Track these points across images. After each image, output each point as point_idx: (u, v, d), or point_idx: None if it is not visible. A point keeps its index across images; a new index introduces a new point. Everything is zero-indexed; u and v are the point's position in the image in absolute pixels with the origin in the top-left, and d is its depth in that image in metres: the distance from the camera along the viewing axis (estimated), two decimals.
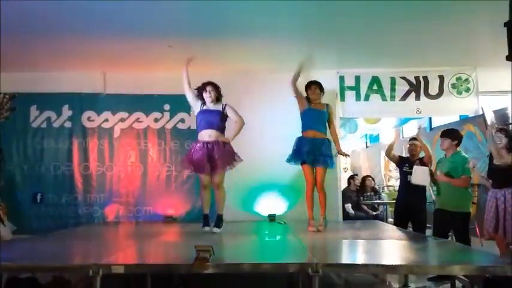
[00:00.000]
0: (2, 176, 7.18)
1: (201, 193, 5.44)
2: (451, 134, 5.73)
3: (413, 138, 6.66)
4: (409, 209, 6.26)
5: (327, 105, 5.58)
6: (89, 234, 5.65)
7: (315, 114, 5.46)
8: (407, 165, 6.42)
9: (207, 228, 5.25)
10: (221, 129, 5.30)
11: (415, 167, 6.04)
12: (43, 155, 7.26)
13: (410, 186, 6.12)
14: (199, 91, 5.32)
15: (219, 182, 5.30)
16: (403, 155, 6.90)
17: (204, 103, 5.32)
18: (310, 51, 5.84)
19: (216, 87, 5.31)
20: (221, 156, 5.15)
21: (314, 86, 5.53)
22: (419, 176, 5.91)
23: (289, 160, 5.44)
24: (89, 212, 7.16)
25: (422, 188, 6.23)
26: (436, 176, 5.70)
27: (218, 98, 5.34)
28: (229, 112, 5.32)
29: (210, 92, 5.25)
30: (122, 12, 5.20)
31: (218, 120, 5.26)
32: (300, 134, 5.46)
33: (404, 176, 6.44)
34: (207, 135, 5.21)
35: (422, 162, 6.18)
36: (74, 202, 7.16)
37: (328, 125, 5.54)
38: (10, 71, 6.99)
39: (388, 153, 6.68)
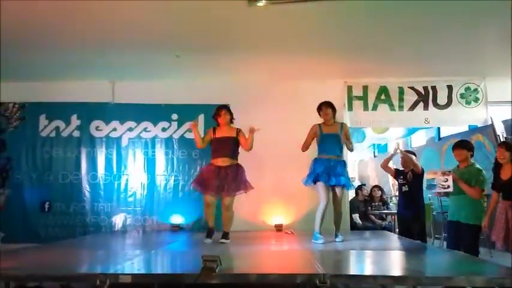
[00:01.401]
0: (10, 184, 7.24)
1: (205, 210, 5.52)
2: (468, 145, 5.69)
3: (406, 151, 6.74)
4: (409, 218, 6.33)
5: (342, 124, 5.63)
6: (97, 243, 5.65)
7: (329, 139, 5.47)
8: (401, 177, 6.46)
9: (208, 241, 5.30)
10: (235, 155, 5.54)
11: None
12: (51, 164, 7.30)
13: (406, 197, 6.21)
14: (214, 116, 5.64)
15: (228, 204, 5.42)
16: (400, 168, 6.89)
17: (215, 129, 5.59)
18: (317, 61, 5.85)
19: (229, 111, 5.61)
20: (234, 181, 5.34)
21: (325, 106, 5.52)
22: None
23: (306, 182, 5.42)
24: (97, 220, 7.17)
25: (418, 197, 6.27)
26: (458, 181, 5.55)
27: (231, 121, 5.62)
28: (241, 139, 5.52)
29: (224, 116, 5.53)
30: (131, 22, 5.24)
31: (232, 146, 5.48)
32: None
33: (400, 187, 6.53)
34: (220, 161, 5.42)
35: (415, 174, 6.23)
36: (82, 211, 7.17)
37: (346, 144, 5.60)
38: (20, 80, 7.07)
39: (383, 165, 6.74)
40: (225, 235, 5.39)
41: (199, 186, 5.49)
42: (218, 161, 5.42)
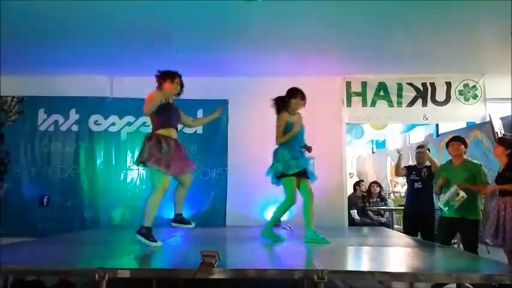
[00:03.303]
0: (8, 178, 7.24)
1: None
2: (464, 140, 5.72)
3: (420, 146, 6.68)
4: (418, 217, 6.23)
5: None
6: (95, 238, 5.66)
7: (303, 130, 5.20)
8: (414, 173, 6.43)
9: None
10: None
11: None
12: (50, 158, 7.31)
13: (418, 194, 6.11)
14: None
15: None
16: (410, 163, 6.87)
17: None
18: (316, 57, 5.84)
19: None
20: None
21: (301, 96, 5.14)
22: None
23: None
24: (95, 215, 7.17)
25: (430, 195, 6.21)
26: (459, 184, 5.54)
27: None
28: None
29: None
30: (130, 17, 5.22)
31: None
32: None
33: (412, 183, 6.44)
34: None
35: (430, 171, 6.21)
36: (80, 205, 7.18)
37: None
38: (19, 74, 7.06)
39: (396, 173, 6.75)
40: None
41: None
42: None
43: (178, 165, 4.64)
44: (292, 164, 4.99)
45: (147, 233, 4.47)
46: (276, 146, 5.11)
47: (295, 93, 5.12)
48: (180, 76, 4.88)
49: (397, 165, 6.81)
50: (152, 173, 4.57)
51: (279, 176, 5.02)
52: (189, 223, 4.97)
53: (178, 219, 4.94)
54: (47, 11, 5.02)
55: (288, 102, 5.11)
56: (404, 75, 7.29)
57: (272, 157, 5.10)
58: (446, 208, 5.42)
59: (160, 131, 4.64)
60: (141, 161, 4.55)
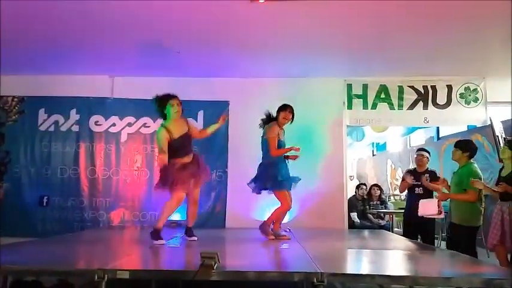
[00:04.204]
0: (8, 178, 7.23)
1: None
2: (464, 145, 5.69)
3: (420, 149, 6.67)
4: (418, 221, 6.21)
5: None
6: (94, 239, 5.65)
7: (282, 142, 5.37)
8: (413, 178, 6.40)
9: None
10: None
11: (421, 201, 5.96)
12: (50, 158, 7.30)
13: (418, 199, 6.08)
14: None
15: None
16: (410, 167, 6.85)
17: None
18: (318, 59, 5.83)
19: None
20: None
21: (290, 110, 5.34)
22: (429, 208, 5.81)
23: (287, 187, 5.29)
24: (95, 216, 7.16)
25: None
26: (438, 196, 5.67)
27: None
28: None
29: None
30: (131, 17, 5.22)
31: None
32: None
33: (412, 188, 6.42)
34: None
35: (432, 177, 6.19)
36: (80, 206, 7.17)
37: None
38: (19, 74, 7.06)
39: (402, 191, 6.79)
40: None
41: None
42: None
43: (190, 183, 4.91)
44: (291, 181, 5.32)
45: (154, 233, 4.76)
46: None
47: (285, 107, 5.35)
48: (177, 97, 4.99)
49: (403, 187, 6.82)
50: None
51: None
52: (193, 236, 5.15)
53: (189, 233, 5.17)
54: (47, 11, 5.03)
55: (278, 115, 5.33)
56: (406, 77, 7.29)
57: (271, 169, 5.22)
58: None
59: (172, 161, 4.85)
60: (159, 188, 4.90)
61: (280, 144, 5.29)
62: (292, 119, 5.38)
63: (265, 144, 5.31)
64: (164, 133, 4.82)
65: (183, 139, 4.92)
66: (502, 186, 5.11)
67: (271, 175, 5.22)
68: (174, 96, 4.93)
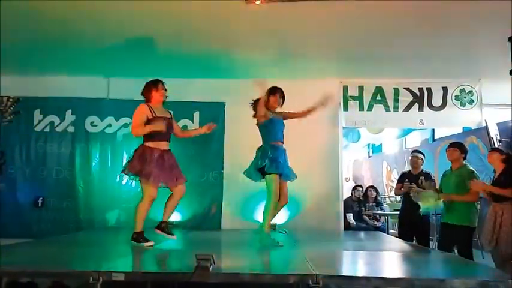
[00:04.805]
0: (3, 179, 7.20)
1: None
2: (462, 146, 5.73)
3: (415, 151, 6.69)
4: (413, 222, 6.22)
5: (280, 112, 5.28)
6: (90, 240, 5.64)
7: (280, 123, 5.17)
8: (407, 180, 6.41)
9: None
10: None
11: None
12: (45, 159, 7.27)
13: (413, 200, 6.10)
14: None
15: None
16: (405, 170, 6.86)
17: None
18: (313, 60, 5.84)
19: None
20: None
21: (280, 93, 5.16)
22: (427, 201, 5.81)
23: (274, 169, 4.85)
24: (90, 217, 7.13)
25: None
26: (442, 195, 5.63)
27: None
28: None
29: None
30: (128, 19, 5.22)
31: None
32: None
33: (407, 191, 6.44)
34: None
35: (427, 179, 6.20)
36: (75, 207, 7.15)
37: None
38: (15, 74, 7.03)
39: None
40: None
41: None
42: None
43: (163, 176, 4.69)
44: (289, 171, 5.07)
45: (137, 237, 4.65)
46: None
47: (275, 91, 5.14)
48: (162, 82, 4.91)
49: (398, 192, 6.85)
50: (141, 182, 4.73)
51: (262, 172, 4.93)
52: (171, 234, 4.87)
53: (162, 226, 4.86)
54: (44, 12, 5.01)
55: (267, 98, 5.08)
56: (401, 79, 7.30)
57: (272, 151, 4.96)
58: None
59: (148, 143, 4.68)
60: (123, 171, 4.80)
61: (274, 126, 5.05)
62: (283, 102, 5.18)
63: (262, 130, 5.09)
64: (145, 108, 4.73)
65: (165, 121, 4.77)
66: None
67: (272, 157, 4.92)
68: (160, 81, 4.89)
